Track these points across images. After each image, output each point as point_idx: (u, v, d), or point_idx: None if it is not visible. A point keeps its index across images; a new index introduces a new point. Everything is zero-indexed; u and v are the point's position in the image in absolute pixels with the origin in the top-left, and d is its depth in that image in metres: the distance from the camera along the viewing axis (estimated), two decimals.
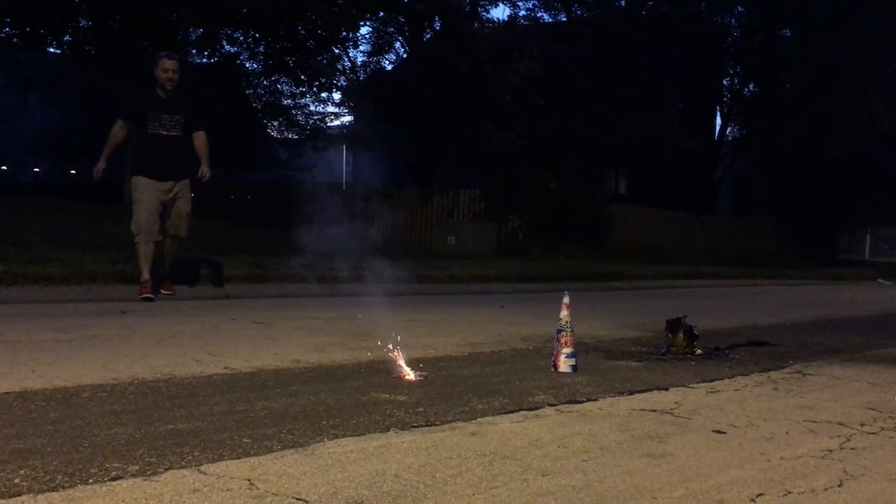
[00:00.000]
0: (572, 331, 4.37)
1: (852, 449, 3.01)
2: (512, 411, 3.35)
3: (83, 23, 19.44)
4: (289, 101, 26.01)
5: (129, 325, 5.40)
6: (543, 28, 25.93)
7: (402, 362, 4.07)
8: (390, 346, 4.22)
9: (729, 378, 4.46)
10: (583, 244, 19.32)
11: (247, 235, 15.03)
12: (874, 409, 3.76)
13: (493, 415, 3.28)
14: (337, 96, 27.42)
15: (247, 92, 25.09)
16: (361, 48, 26.78)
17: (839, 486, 2.54)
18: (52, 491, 2.13)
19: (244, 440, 2.70)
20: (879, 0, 25.37)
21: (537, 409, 3.43)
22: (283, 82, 24.75)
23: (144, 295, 6.96)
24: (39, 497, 2.08)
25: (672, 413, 3.48)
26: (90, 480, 2.23)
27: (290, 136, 27.52)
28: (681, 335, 5.23)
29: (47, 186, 29.80)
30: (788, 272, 20.40)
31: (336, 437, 2.82)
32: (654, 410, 3.51)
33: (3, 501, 2.04)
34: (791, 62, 26.66)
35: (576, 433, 3.05)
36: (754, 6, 27.70)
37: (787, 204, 30.60)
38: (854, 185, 28.56)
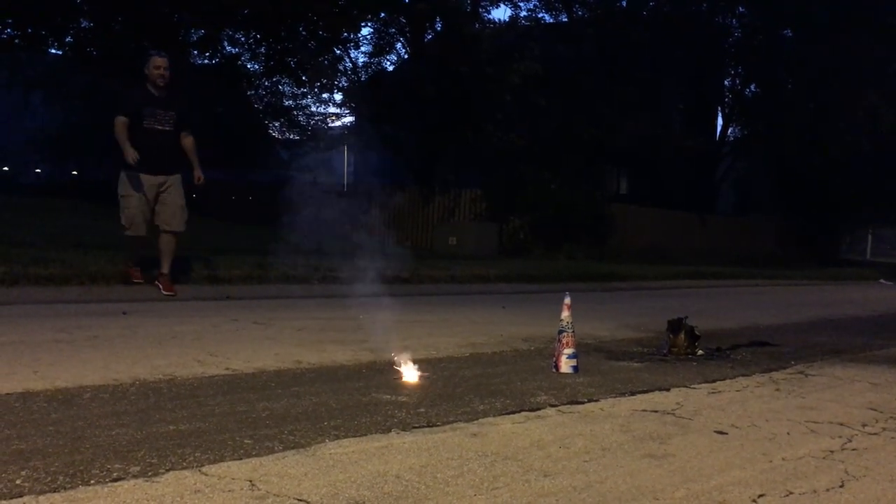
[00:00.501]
0: (574, 331, 4.37)
1: (854, 449, 3.00)
2: (513, 412, 3.35)
3: (85, 23, 19.48)
4: (290, 101, 26.02)
5: (131, 326, 5.39)
6: (544, 28, 25.92)
7: (403, 363, 4.07)
8: (392, 347, 4.22)
9: (730, 379, 4.46)
10: (584, 244, 19.32)
11: (247, 235, 15.01)
12: (876, 410, 3.76)
13: (494, 415, 3.28)
14: (338, 97, 27.43)
15: (248, 93, 25.08)
16: (362, 49, 26.88)
17: (841, 486, 2.54)
18: (54, 492, 2.13)
19: (246, 441, 2.71)
20: (879, 0, 25.36)
21: (539, 409, 3.43)
22: (285, 83, 24.77)
23: (135, 280, 7.40)
24: (41, 498, 2.08)
25: (674, 414, 3.48)
26: (92, 481, 2.23)
27: (291, 136, 27.52)
28: (682, 336, 5.23)
29: (49, 186, 29.79)
30: (789, 272, 20.40)
31: (337, 437, 2.82)
32: (656, 411, 3.51)
33: (5, 502, 2.04)
34: (792, 62, 26.67)
35: (577, 434, 3.05)
36: (755, 7, 27.68)
37: (788, 204, 30.56)
38: (855, 185, 28.52)
